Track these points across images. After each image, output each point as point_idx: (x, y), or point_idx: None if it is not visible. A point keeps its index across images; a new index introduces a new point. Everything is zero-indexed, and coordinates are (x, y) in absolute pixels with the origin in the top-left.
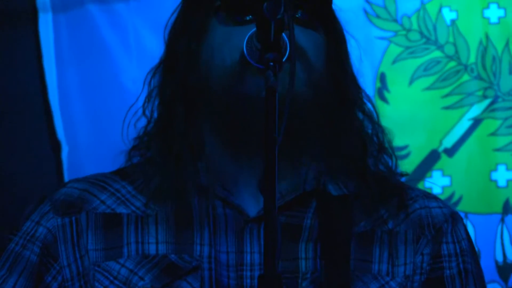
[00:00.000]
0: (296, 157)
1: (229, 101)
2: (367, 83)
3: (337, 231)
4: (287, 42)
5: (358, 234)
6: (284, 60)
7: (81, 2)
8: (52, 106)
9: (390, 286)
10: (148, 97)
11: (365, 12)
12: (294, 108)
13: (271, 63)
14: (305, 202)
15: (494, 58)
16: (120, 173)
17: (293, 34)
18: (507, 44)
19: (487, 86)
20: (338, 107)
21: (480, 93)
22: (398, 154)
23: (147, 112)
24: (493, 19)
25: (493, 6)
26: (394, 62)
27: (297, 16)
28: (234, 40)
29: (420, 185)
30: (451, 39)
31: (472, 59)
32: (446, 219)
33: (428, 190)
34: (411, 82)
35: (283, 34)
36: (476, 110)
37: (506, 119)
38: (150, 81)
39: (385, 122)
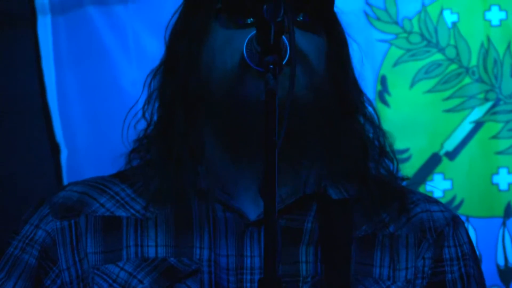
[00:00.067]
0: (297, 161)
1: (229, 104)
2: (368, 86)
3: (338, 235)
4: (287, 45)
5: (359, 238)
6: (284, 63)
7: (80, 4)
8: (51, 109)
9: None
10: (148, 99)
11: (366, 14)
12: (295, 111)
13: (271, 66)
14: (306, 206)
15: (495, 61)
16: (120, 176)
17: (293, 37)
18: (508, 46)
19: (489, 89)
20: (339, 110)
21: (481, 96)
22: (399, 157)
23: (147, 115)
24: (495, 22)
25: (495, 9)
26: (395, 64)
27: (298, 19)
28: (234, 44)
29: (421, 189)
30: (452, 42)
31: (473, 61)
32: (448, 223)
33: (429, 194)
34: (412, 85)
35: (283, 36)
36: (477, 113)
37: (507, 122)
38: (150, 83)
39: (386, 125)
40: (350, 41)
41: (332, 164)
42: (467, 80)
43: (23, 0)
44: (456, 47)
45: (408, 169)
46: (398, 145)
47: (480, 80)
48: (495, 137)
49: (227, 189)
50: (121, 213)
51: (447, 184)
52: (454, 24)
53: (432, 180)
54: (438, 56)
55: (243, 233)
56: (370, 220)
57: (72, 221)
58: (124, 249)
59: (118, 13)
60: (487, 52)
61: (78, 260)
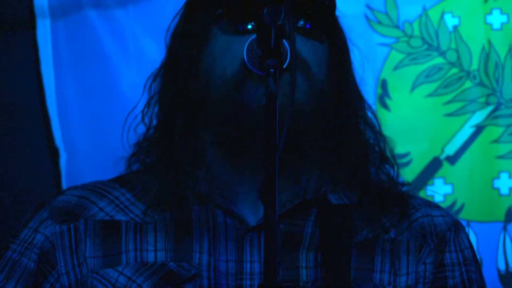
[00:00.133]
0: (297, 166)
1: (228, 110)
2: (368, 90)
3: (338, 240)
4: (288, 48)
5: (359, 243)
6: (284, 66)
7: (80, 8)
8: (50, 113)
9: None
10: (148, 103)
11: (367, 18)
12: (295, 117)
13: (272, 70)
14: (306, 211)
15: (496, 65)
16: (119, 181)
17: (294, 42)
18: (510, 50)
19: (490, 92)
20: (340, 116)
21: (482, 100)
22: (399, 162)
23: (147, 118)
24: (496, 25)
25: (496, 12)
26: (395, 68)
27: (298, 25)
28: (234, 50)
29: (421, 193)
30: (453, 45)
31: (474, 65)
32: (449, 228)
33: (430, 198)
34: (412, 89)
35: (284, 40)
36: (478, 117)
37: (508, 126)
38: (151, 86)
39: (386, 129)
40: (350, 46)
41: (333, 169)
42: (468, 84)
43: (22, 4)
44: (457, 51)
45: (408, 174)
46: (399, 149)
47: (481, 84)
48: (496, 141)
49: (227, 194)
50: (120, 217)
51: (447, 189)
52: (455, 27)
53: (432, 184)
54: (439, 60)
55: (243, 239)
56: (371, 225)
57: (71, 225)
58: (123, 253)
59: (118, 17)
60: (488, 56)
61: (77, 264)
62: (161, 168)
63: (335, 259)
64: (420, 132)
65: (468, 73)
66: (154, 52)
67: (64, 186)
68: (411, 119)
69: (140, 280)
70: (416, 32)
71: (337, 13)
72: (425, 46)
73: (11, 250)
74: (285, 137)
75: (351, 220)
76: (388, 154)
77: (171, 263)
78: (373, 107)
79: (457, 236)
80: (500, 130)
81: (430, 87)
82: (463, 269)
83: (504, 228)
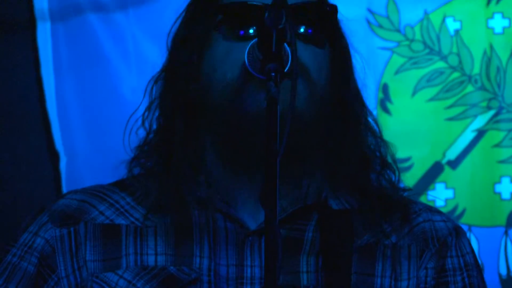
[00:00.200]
0: (297, 171)
1: (228, 116)
2: (370, 94)
3: (339, 245)
4: (289, 52)
5: (360, 248)
6: (285, 70)
7: (80, 11)
8: (50, 116)
9: None
10: (149, 107)
11: (368, 22)
12: (295, 125)
13: (273, 74)
14: (307, 216)
15: (498, 69)
16: (119, 185)
17: (295, 49)
18: (511, 54)
19: (491, 97)
20: (340, 122)
21: (484, 104)
22: (400, 166)
23: (147, 123)
24: (498, 29)
25: (498, 16)
26: (397, 72)
27: (299, 32)
28: (235, 55)
29: (423, 198)
30: (454, 50)
31: (476, 69)
32: (450, 233)
33: (431, 203)
34: (414, 93)
35: (285, 44)
36: (480, 121)
37: (510, 130)
38: (152, 89)
39: (387, 133)
40: (352, 50)
41: (333, 175)
42: (469, 88)
43: (22, 7)
44: (458, 55)
45: (410, 178)
46: (400, 153)
47: (483, 88)
48: (497, 145)
49: (227, 198)
50: (120, 221)
51: (449, 193)
52: (456, 31)
53: (434, 189)
54: (440, 64)
55: (243, 243)
56: (372, 230)
57: (72, 229)
58: (123, 257)
59: (118, 20)
60: (489, 60)
61: (77, 268)
62: (161, 172)
63: (335, 264)
64: (422, 137)
65: (470, 78)
66: (154, 56)
67: (64, 189)
68: (412, 124)
69: (140, 284)
70: (418, 36)
71: (338, 16)
72: (427, 50)
73: (11, 254)
74: (286, 143)
75: (352, 225)
76: (389, 160)
77: (171, 267)
78: (374, 111)
79: (458, 241)
80: (501, 134)
81: (432, 91)
82: (464, 274)
83: (506, 232)
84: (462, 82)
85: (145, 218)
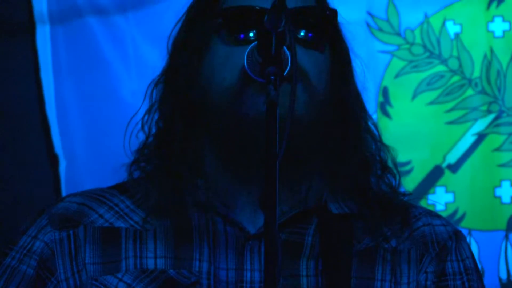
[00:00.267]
0: (297, 175)
1: (227, 119)
2: (370, 98)
3: (339, 249)
4: (289, 55)
5: (360, 252)
6: (285, 74)
7: (79, 14)
8: (49, 120)
9: None
10: (148, 111)
11: (368, 25)
12: (295, 128)
13: (272, 77)
14: (306, 219)
15: (498, 72)
16: (119, 188)
17: (294, 52)
18: None
19: (492, 100)
20: (340, 127)
21: (484, 108)
22: (400, 170)
23: (147, 126)
24: (498, 33)
25: (498, 20)
26: (397, 76)
27: (299, 36)
28: (234, 60)
29: (423, 202)
30: (455, 53)
31: (476, 73)
32: (450, 237)
33: (431, 207)
34: (414, 96)
35: (285, 47)
36: (480, 125)
37: (510, 134)
38: (152, 93)
39: (387, 137)
40: (352, 54)
41: (333, 179)
42: (469, 91)
43: (22, 9)
44: (459, 58)
45: (410, 182)
46: (400, 157)
47: (483, 92)
48: (498, 149)
49: (226, 202)
50: (120, 224)
51: (449, 197)
52: (457, 35)
53: (434, 192)
54: (440, 68)
55: (243, 247)
56: (371, 234)
57: (71, 232)
58: (123, 260)
59: (118, 24)
60: (490, 63)
61: (76, 271)
62: (161, 176)
63: (335, 268)
64: (422, 140)
65: (470, 81)
66: (154, 59)
67: (64, 193)
68: (412, 127)
69: (139, 287)
70: (418, 40)
71: (338, 20)
72: (427, 54)
73: (10, 257)
74: (285, 146)
75: (352, 229)
76: (390, 164)
77: (171, 270)
78: (374, 115)
79: (458, 245)
80: (502, 138)
81: (432, 95)
82: (464, 279)
83: (506, 236)
84: (462, 86)
85: (145, 221)
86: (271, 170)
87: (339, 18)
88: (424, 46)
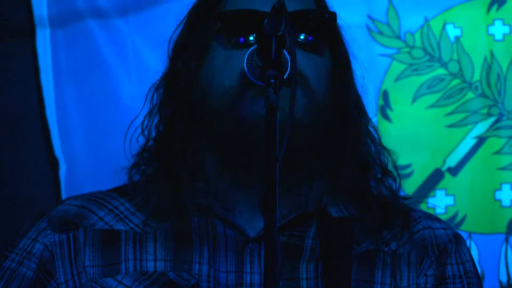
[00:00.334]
0: (296, 178)
1: (227, 124)
2: (370, 101)
3: (338, 252)
4: (289, 59)
5: (360, 255)
6: (285, 77)
7: (80, 17)
8: (49, 123)
9: None
10: (148, 114)
11: (368, 28)
12: (294, 132)
13: (272, 80)
14: (306, 222)
15: (499, 76)
16: (119, 191)
17: (294, 56)
18: None
19: (492, 104)
20: (340, 129)
21: (484, 111)
22: (401, 173)
23: (146, 130)
24: (498, 36)
25: (498, 23)
26: (397, 79)
27: (299, 40)
28: (233, 63)
29: (423, 205)
30: (455, 56)
31: (476, 76)
32: (450, 240)
33: (431, 210)
34: (414, 100)
35: (284, 51)
36: (480, 128)
37: (510, 137)
38: (152, 96)
39: (387, 140)
40: (352, 58)
41: (333, 183)
42: (470, 95)
43: (22, 13)
44: (459, 61)
45: (410, 185)
46: (400, 160)
47: (483, 95)
48: (498, 152)
49: (226, 205)
50: (120, 226)
51: (449, 200)
52: (457, 38)
53: (434, 196)
54: (440, 71)
55: (243, 250)
56: (371, 237)
57: (71, 234)
58: (122, 262)
59: (118, 27)
60: (490, 67)
61: (76, 273)
62: (161, 179)
63: (335, 271)
64: (422, 144)
65: (470, 84)
66: (155, 62)
67: (64, 196)
68: (412, 130)
69: None
70: (418, 43)
71: (339, 23)
72: (427, 57)
73: (9, 259)
74: (285, 150)
75: (352, 233)
76: (390, 167)
77: (171, 273)
78: (374, 118)
79: (458, 248)
80: (502, 141)
81: (432, 98)
82: (464, 282)
83: (506, 240)
84: (462, 89)
85: (145, 224)
86: (271, 173)
87: (339, 22)
88: (424, 50)
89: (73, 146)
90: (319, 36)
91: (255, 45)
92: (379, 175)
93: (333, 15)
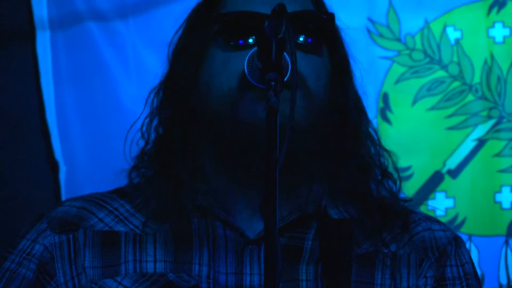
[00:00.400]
0: (296, 180)
1: (225, 126)
2: (370, 104)
3: (338, 253)
4: (289, 61)
5: (360, 257)
6: (285, 79)
7: (80, 20)
8: (49, 126)
9: None
10: (148, 117)
11: (368, 31)
12: (293, 135)
13: (272, 83)
14: (306, 224)
15: (499, 78)
16: (119, 192)
17: (295, 59)
18: None
19: (492, 106)
20: (340, 130)
21: (484, 113)
22: (401, 175)
23: (146, 133)
24: (498, 39)
25: (498, 26)
26: (397, 82)
27: (298, 41)
28: (232, 66)
29: (423, 207)
30: (455, 59)
31: (476, 79)
32: (450, 242)
33: (431, 212)
34: (414, 102)
35: (285, 53)
36: (480, 130)
37: (511, 140)
38: (153, 100)
39: (388, 143)
40: (351, 60)
41: (332, 184)
42: (470, 97)
43: (22, 16)
44: (459, 64)
45: (410, 187)
46: (400, 163)
47: (483, 98)
48: (498, 155)
49: (226, 207)
50: (120, 228)
51: (449, 202)
52: (457, 41)
53: (434, 198)
54: (441, 73)
55: (242, 251)
56: (371, 239)
57: (71, 236)
58: (122, 264)
59: (118, 30)
60: (490, 69)
61: (76, 274)
62: (161, 181)
63: (335, 273)
64: (422, 146)
65: (470, 87)
66: (155, 65)
67: (64, 199)
68: (412, 133)
69: None
70: (418, 45)
71: (339, 25)
72: (427, 60)
73: (9, 260)
74: (285, 154)
75: (351, 234)
76: (390, 169)
77: (171, 274)
78: (375, 120)
79: (458, 250)
80: (502, 144)
81: (432, 100)
82: (464, 284)
83: (506, 242)
84: (462, 91)
85: (145, 225)
86: (271, 175)
87: (340, 24)
88: (425, 52)
89: (73, 148)
90: (318, 36)
91: (255, 48)
92: (379, 177)
93: (331, 16)
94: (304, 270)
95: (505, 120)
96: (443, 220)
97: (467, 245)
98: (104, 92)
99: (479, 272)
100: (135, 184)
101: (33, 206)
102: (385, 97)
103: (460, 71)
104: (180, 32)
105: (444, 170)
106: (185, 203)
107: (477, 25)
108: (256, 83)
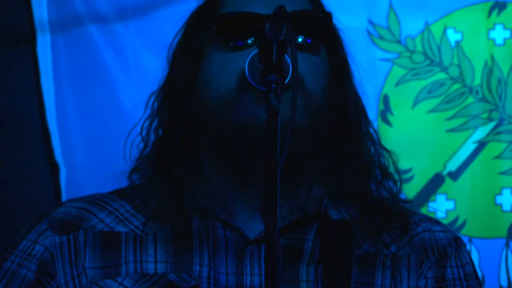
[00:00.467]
0: (296, 181)
1: (224, 127)
2: (370, 106)
3: (338, 254)
4: (290, 63)
5: (360, 257)
6: (286, 82)
7: (80, 22)
8: (50, 128)
9: None
10: (148, 119)
11: (369, 33)
12: (292, 135)
13: (273, 85)
14: (306, 225)
15: (499, 80)
16: (119, 193)
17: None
18: None
19: (492, 108)
20: (340, 131)
21: (485, 115)
22: (401, 177)
23: (146, 135)
24: (499, 41)
25: (499, 28)
26: (397, 84)
27: (297, 41)
28: (230, 66)
29: (423, 209)
30: (455, 61)
31: (477, 81)
32: (450, 243)
33: (432, 214)
34: (414, 104)
35: (285, 55)
36: (481, 133)
37: (511, 142)
38: (153, 103)
39: (388, 145)
40: (351, 61)
41: (333, 185)
42: (470, 99)
43: (22, 18)
44: (459, 66)
45: (410, 189)
46: (401, 165)
47: (484, 100)
48: (498, 157)
49: (226, 207)
50: (120, 228)
51: (450, 205)
52: (457, 43)
53: (434, 200)
54: (441, 75)
55: (243, 252)
56: (371, 240)
57: (71, 236)
58: (123, 264)
59: (119, 32)
60: (491, 71)
61: (76, 275)
62: (161, 181)
63: (335, 273)
64: (422, 148)
65: (471, 89)
66: (155, 67)
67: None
68: (413, 135)
69: None
70: (419, 47)
71: (339, 27)
72: (427, 62)
73: (9, 261)
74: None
75: (352, 235)
76: (391, 169)
77: (171, 274)
78: (375, 122)
79: (458, 251)
80: (502, 146)
81: (432, 102)
82: (464, 284)
83: (507, 244)
84: (463, 94)
85: (145, 226)
86: (271, 177)
87: (340, 26)
88: (425, 54)
89: (73, 151)
90: (316, 36)
91: (254, 48)
92: (379, 177)
93: (328, 15)
94: (304, 271)
95: (505, 122)
96: (444, 222)
97: (468, 247)
98: (104, 94)
99: (479, 274)
100: (136, 185)
101: (34, 207)
102: (386, 99)
103: (461, 73)
104: (179, 34)
105: (444, 172)
106: (185, 203)
107: (478, 27)
108: (257, 85)
